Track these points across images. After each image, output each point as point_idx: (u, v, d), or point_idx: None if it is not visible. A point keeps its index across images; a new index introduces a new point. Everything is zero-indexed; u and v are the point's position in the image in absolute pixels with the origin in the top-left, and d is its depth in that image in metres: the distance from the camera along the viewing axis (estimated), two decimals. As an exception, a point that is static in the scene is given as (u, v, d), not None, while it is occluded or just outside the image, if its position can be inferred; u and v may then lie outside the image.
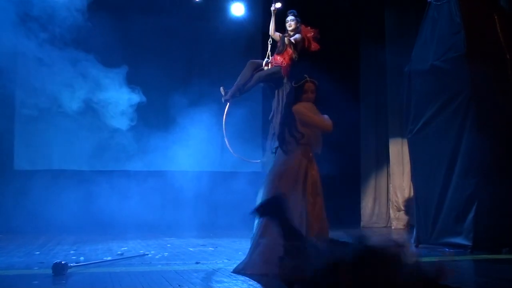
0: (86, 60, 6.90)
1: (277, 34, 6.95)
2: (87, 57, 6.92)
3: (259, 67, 6.89)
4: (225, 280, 4.08)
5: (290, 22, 6.83)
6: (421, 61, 6.54)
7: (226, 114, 6.90)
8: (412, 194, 7.68)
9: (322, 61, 8.48)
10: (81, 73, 6.96)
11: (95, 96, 7.19)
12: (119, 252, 5.83)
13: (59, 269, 4.35)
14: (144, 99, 7.30)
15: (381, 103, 10.40)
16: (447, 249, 5.99)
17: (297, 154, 4.59)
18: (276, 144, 4.81)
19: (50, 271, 4.36)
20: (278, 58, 6.76)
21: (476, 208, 5.77)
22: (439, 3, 6.43)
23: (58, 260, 4.50)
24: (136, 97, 7.21)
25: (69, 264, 4.52)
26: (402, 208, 9.79)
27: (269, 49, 6.98)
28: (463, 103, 5.98)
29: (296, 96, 4.67)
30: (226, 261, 5.18)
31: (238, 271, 4.40)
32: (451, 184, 6.06)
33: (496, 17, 6.24)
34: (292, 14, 6.87)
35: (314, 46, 6.85)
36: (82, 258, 5.32)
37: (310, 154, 4.65)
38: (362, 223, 10.24)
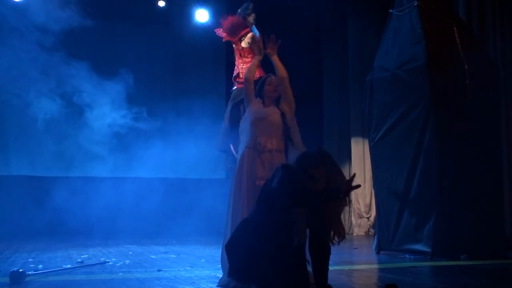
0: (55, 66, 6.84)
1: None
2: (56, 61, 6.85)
3: None
4: (187, 287, 4.05)
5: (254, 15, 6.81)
6: (383, 70, 6.65)
7: None
8: (373, 201, 7.78)
9: (286, 68, 8.54)
10: (50, 78, 6.89)
11: (64, 103, 7.14)
12: (79, 260, 5.72)
13: (17, 277, 4.23)
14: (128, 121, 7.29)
15: (343, 113, 10.54)
16: (407, 256, 6.09)
17: (242, 154, 4.30)
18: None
19: (7, 280, 4.24)
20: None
21: (435, 215, 5.88)
22: (400, 13, 6.56)
23: (16, 268, 4.39)
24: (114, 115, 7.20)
25: (27, 272, 4.41)
26: (364, 215, 9.91)
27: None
28: (423, 111, 6.10)
29: (258, 91, 4.45)
30: (189, 268, 5.14)
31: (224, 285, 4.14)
32: (411, 191, 6.17)
33: (455, 28, 6.40)
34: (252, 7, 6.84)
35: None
36: (40, 266, 5.20)
37: (263, 145, 4.25)
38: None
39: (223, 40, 6.64)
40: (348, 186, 3.26)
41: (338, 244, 3.33)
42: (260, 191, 3.64)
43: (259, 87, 4.52)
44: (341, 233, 3.33)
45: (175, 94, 9.84)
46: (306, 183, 3.25)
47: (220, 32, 6.58)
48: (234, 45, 6.58)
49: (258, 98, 4.48)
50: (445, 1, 6.76)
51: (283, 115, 4.37)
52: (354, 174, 3.49)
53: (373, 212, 9.21)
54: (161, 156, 9.24)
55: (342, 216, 3.41)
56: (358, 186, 3.36)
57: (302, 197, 3.25)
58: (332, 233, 3.32)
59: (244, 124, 4.43)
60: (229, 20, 6.51)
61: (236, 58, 6.60)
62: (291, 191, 3.26)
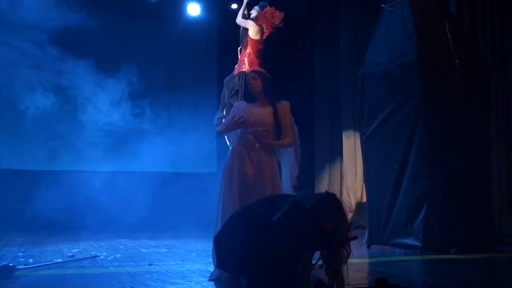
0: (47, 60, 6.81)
1: (243, 20, 6.79)
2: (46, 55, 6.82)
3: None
4: (179, 281, 4.05)
5: (253, 11, 6.78)
6: (375, 65, 6.66)
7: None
8: (364, 195, 7.81)
9: (278, 63, 8.56)
10: (41, 72, 6.86)
11: (53, 99, 7.12)
12: (69, 254, 5.71)
13: (7, 272, 4.21)
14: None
15: (335, 108, 10.54)
16: (398, 250, 6.12)
17: (233, 150, 4.38)
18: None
19: (-3, 274, 4.23)
20: (243, 58, 6.68)
21: (425, 209, 5.92)
22: (392, 8, 6.56)
23: (6, 262, 4.36)
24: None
25: (17, 267, 4.39)
26: (355, 209, 9.93)
27: (239, 55, 6.84)
28: (414, 106, 6.12)
29: (245, 89, 4.54)
30: (180, 262, 5.14)
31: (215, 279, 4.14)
32: (402, 186, 6.20)
33: (446, 23, 6.42)
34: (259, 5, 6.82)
35: (278, 16, 6.75)
36: (31, 260, 5.17)
37: (253, 144, 4.29)
38: None
39: (272, 28, 6.64)
40: (344, 235, 3.23)
41: None
42: (262, 202, 3.66)
43: (244, 87, 4.56)
44: (341, 284, 3.32)
45: (166, 87, 9.80)
46: (312, 231, 3.22)
47: (275, 18, 6.60)
48: (259, 37, 6.58)
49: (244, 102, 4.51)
50: (436, -3, 6.77)
51: (275, 113, 4.38)
52: (351, 223, 3.42)
53: (364, 206, 9.23)
54: (151, 150, 9.22)
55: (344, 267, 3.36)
56: (355, 237, 3.36)
57: (299, 238, 3.22)
58: (332, 281, 3.30)
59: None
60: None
61: (252, 52, 6.57)
62: (293, 230, 3.23)
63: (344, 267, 3.34)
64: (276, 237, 3.26)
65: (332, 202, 3.31)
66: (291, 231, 3.23)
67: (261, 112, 4.36)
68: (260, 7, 6.71)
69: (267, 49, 6.82)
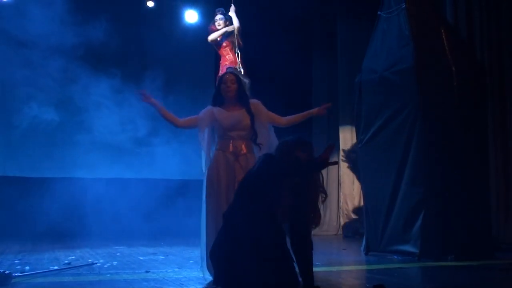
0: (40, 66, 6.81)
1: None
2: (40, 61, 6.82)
3: None
4: (176, 289, 4.05)
5: (219, 21, 6.86)
6: (371, 72, 6.68)
7: None
8: (362, 202, 7.81)
9: (275, 71, 8.58)
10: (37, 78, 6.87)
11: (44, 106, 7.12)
12: (66, 262, 5.69)
13: (3, 279, 4.20)
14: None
15: (332, 115, 10.56)
16: (395, 257, 6.11)
17: (216, 157, 4.35)
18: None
19: (-7, 282, 4.21)
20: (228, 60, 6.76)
21: (423, 216, 5.91)
22: (389, 15, 6.59)
23: (2, 270, 4.35)
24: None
25: (13, 274, 4.38)
26: (352, 216, 9.94)
27: (239, 59, 6.87)
28: (411, 113, 6.13)
29: (216, 90, 4.48)
30: (177, 269, 5.13)
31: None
32: (399, 192, 6.19)
33: (443, 30, 6.44)
34: (220, 12, 6.88)
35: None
36: (27, 267, 5.16)
37: (239, 149, 4.33)
38: (312, 231, 10.31)
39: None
40: (326, 154, 3.55)
41: (315, 227, 3.66)
42: (238, 186, 3.70)
43: (217, 88, 4.50)
44: (318, 218, 3.64)
45: (163, 95, 9.78)
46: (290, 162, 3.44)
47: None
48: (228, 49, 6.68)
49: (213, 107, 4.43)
50: (433, 4, 6.79)
51: (251, 117, 4.37)
52: (333, 144, 3.58)
53: (362, 213, 9.23)
54: (148, 157, 9.21)
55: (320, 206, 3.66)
56: (336, 162, 3.63)
57: (287, 166, 3.41)
58: (312, 216, 3.56)
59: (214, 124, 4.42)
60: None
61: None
62: (271, 171, 3.40)
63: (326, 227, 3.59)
64: (260, 182, 3.41)
65: (299, 136, 3.63)
66: (270, 171, 3.41)
67: (240, 116, 4.35)
68: (223, 14, 6.85)
69: (265, 52, 6.93)
